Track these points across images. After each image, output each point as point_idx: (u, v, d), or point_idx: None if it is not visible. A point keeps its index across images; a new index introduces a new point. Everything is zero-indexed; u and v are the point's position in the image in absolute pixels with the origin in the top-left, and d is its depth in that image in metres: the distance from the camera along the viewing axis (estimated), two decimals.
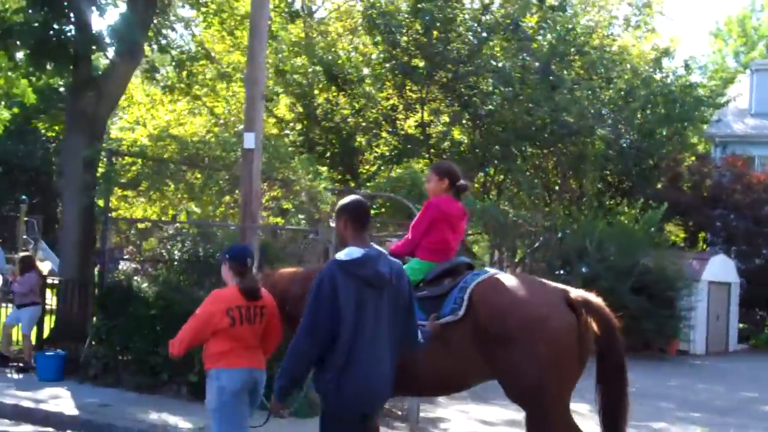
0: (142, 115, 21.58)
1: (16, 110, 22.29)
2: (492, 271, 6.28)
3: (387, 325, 4.88)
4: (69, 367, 11.50)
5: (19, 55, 13.38)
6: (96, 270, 12.92)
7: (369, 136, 21.08)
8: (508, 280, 5.94)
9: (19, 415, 9.57)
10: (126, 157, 12.03)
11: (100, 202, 12.43)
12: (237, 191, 13.01)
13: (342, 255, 4.87)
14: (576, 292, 5.82)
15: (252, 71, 10.90)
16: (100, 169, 12.94)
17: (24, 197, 27.52)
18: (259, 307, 5.90)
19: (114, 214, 12.16)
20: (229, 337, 5.78)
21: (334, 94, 20.69)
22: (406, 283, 5.10)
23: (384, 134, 21.29)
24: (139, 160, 12.33)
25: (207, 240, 11.63)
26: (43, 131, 38.11)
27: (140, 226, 13.35)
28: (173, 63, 14.78)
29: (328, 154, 19.76)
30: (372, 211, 13.60)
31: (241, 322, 5.81)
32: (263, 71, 11.17)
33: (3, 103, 22.40)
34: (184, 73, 15.25)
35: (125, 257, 12.69)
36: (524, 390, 5.60)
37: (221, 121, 19.02)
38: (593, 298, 5.80)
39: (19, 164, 36.16)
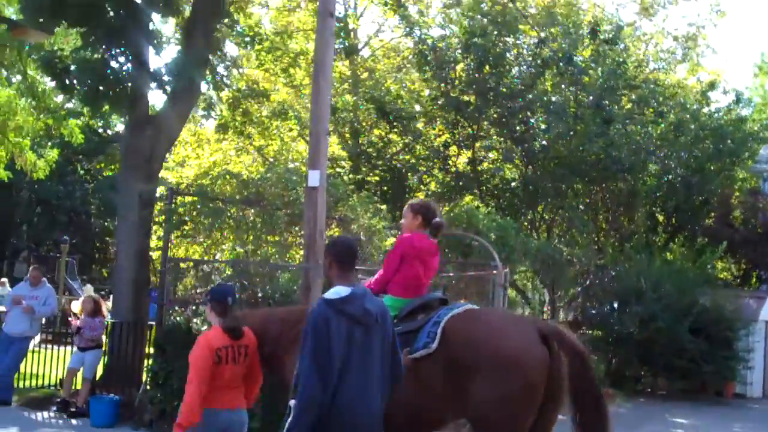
0: (188, 154, 21.50)
1: (57, 151, 22.31)
2: (466, 305, 6.26)
3: (377, 362, 4.90)
4: (123, 412, 11.17)
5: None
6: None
7: (420, 173, 20.82)
8: (482, 313, 6.14)
9: None
10: (185, 197, 11.77)
11: (157, 242, 12.19)
12: (296, 229, 12.80)
13: (330, 294, 4.89)
14: (548, 325, 5.95)
15: (317, 108, 10.64)
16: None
17: (65, 237, 27.56)
18: (243, 347, 5.93)
19: (170, 254, 11.88)
20: (213, 376, 5.77)
21: (386, 131, 20.48)
22: (390, 319, 5.14)
23: (435, 171, 21.01)
24: (188, 200, 12.08)
25: (268, 281, 11.36)
26: (82, 172, 38.96)
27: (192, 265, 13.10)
28: (229, 101, 14.61)
29: (380, 192, 19.48)
30: None
31: (227, 361, 5.82)
32: (328, 108, 10.92)
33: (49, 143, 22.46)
34: (238, 112, 15.07)
35: (183, 299, 12.40)
36: (488, 421, 5.60)
37: (270, 160, 18.88)
38: (565, 330, 5.90)
39: (59, 204, 36.31)
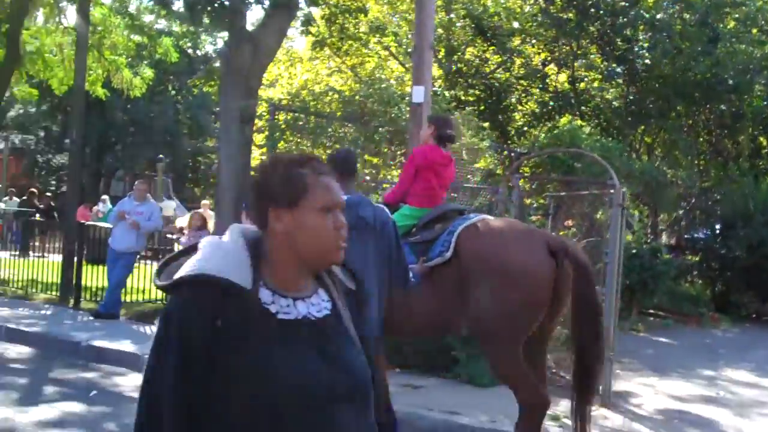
0: (279, 73, 21.33)
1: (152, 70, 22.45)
2: (481, 216, 6.46)
3: (372, 267, 5.11)
4: None
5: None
6: None
7: (518, 92, 20.27)
8: (495, 224, 6.26)
9: None
10: (286, 113, 11.62)
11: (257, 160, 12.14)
12: (394, 148, 12.60)
13: None
14: (557, 239, 6.12)
15: (421, 21, 10.36)
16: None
17: (161, 156, 27.98)
18: None
19: None
20: None
21: (482, 49, 19.92)
22: (391, 227, 5.35)
23: (534, 91, 20.43)
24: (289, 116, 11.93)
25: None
26: (174, 92, 39.42)
27: None
28: (325, 17, 14.31)
29: (477, 112, 19.03)
30: (526, 170, 13.12)
31: None
32: (432, 20, 10.61)
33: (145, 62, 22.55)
34: (335, 28, 14.76)
35: None
36: (489, 327, 5.81)
37: (365, 80, 18.57)
38: (571, 244, 6.09)
39: (151, 124, 36.77)
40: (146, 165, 35.92)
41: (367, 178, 12.02)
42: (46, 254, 16.41)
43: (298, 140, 11.43)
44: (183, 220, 14.50)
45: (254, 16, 79.41)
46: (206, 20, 12.68)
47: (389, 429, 5.46)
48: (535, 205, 11.99)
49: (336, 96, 11.67)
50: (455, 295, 5.94)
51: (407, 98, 11.57)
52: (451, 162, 6.83)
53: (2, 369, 9.11)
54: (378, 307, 5.18)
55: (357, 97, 11.29)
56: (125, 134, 37.82)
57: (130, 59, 21.17)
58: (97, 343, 10.25)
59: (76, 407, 7.72)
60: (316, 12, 14.46)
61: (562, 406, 7.71)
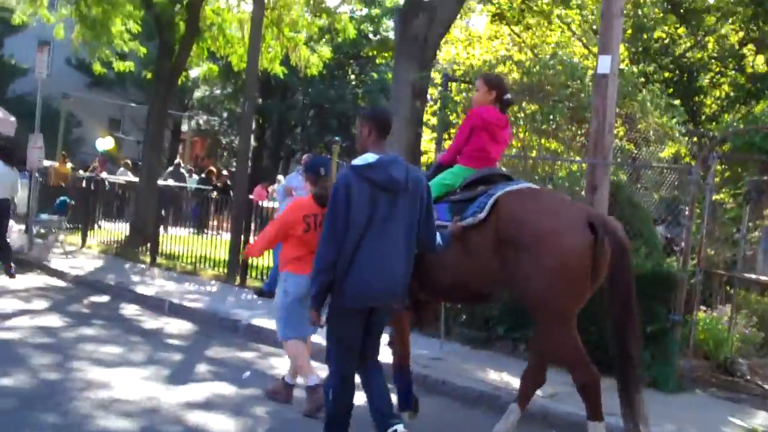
0: (457, 53, 20.60)
1: (330, 49, 22.34)
2: (526, 183, 6.33)
3: (403, 227, 5.15)
4: None
5: None
6: None
7: (712, 74, 18.56)
8: (537, 192, 6.18)
9: None
10: (460, 84, 10.80)
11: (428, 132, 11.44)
12: (574, 128, 11.59)
13: (357, 160, 5.16)
14: (597, 213, 6.07)
15: None
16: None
17: (336, 138, 27.96)
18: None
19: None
20: (301, 242, 6.47)
21: (675, 26, 18.35)
22: (424, 188, 5.32)
23: (729, 72, 18.66)
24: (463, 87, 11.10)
25: (548, 180, 10.33)
26: (353, 77, 39.69)
27: None
28: None
29: (666, 93, 17.56)
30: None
31: (315, 228, 6.40)
32: None
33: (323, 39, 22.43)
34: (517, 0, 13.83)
35: None
36: (530, 298, 5.77)
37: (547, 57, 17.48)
38: (611, 219, 5.93)
39: (330, 108, 37.07)
40: (323, 148, 36.20)
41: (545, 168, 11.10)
42: (220, 232, 16.46)
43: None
44: None
45: None
46: None
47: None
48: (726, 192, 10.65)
49: (514, 67, 10.75)
50: (491, 260, 5.83)
51: (591, 73, 10.59)
52: (507, 125, 6.68)
53: (160, 344, 8.88)
54: (405, 268, 5.22)
55: (536, 68, 10.33)
56: (304, 117, 38.29)
57: (308, 38, 21.03)
58: (257, 322, 9.91)
59: (226, 388, 7.32)
60: None
61: (761, 418, 7.22)
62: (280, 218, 6.67)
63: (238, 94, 39.89)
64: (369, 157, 5.14)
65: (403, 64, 11.92)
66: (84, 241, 16.57)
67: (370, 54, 27.84)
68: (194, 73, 39.11)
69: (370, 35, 38.14)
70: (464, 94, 10.94)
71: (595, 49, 10.97)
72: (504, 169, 6.76)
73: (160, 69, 16.92)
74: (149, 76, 20.83)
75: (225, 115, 42.10)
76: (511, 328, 9.30)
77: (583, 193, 9.69)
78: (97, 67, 22.93)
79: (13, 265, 12.44)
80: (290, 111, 37.56)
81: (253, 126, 40.01)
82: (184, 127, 40.61)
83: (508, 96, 6.60)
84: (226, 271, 13.55)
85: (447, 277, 5.96)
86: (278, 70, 20.44)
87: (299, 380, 6.86)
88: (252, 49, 14.18)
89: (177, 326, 9.98)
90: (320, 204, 6.39)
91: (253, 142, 40.76)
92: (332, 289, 5.12)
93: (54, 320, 9.60)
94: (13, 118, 14.88)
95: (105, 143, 30.95)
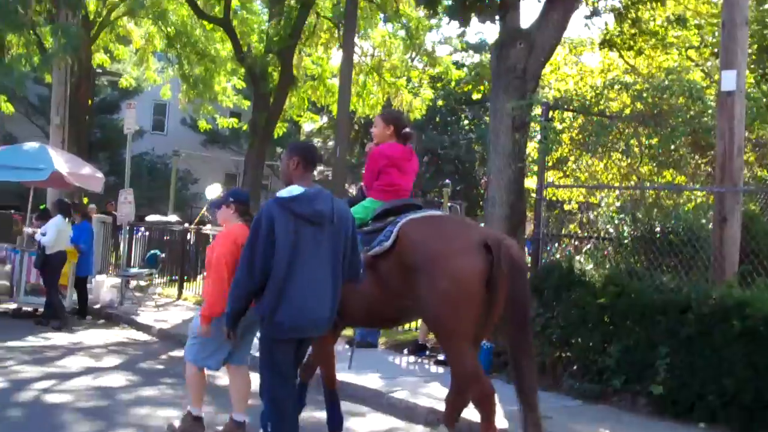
0: (567, 89, 19.50)
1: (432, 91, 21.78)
2: (431, 211, 6.67)
3: (328, 259, 5.24)
4: (495, 361, 9.68)
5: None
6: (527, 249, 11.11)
7: None
8: (437, 219, 6.42)
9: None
10: (563, 112, 9.80)
11: (533, 168, 10.42)
12: (698, 157, 10.40)
13: (282, 192, 5.27)
14: (496, 235, 6.11)
15: None
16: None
17: (447, 182, 27.31)
18: None
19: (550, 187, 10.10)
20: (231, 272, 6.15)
21: None
22: (350, 220, 5.48)
23: None
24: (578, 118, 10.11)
25: (663, 212, 9.19)
26: (465, 122, 39.06)
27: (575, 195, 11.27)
28: (615, 10, 12.33)
29: None
30: None
31: None
32: None
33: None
34: (626, 23, 12.71)
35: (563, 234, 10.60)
36: (427, 319, 6.25)
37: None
38: (509, 240, 6.07)
39: (444, 154, 36.57)
40: (437, 192, 35.59)
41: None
42: None
43: (578, 143, 9.59)
44: None
45: (529, 10, 77.06)
46: (475, 17, 11.29)
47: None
48: None
49: (623, 89, 9.68)
50: (398, 285, 6.02)
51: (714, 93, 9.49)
52: (412, 155, 6.90)
53: (230, 404, 8.14)
54: (332, 298, 5.30)
55: (649, 92, 9.24)
56: (418, 163, 37.81)
57: (409, 82, 20.43)
58: (342, 375, 8.97)
59: None
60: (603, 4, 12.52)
61: None
62: (219, 255, 6.40)
63: (352, 144, 39.89)
64: (294, 190, 5.25)
65: (500, 97, 10.99)
66: (180, 293, 16.34)
67: (466, 90, 27.07)
68: (309, 126, 39.54)
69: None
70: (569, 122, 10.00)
71: (717, 77, 9.85)
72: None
73: (256, 120, 16.57)
74: (245, 128, 20.68)
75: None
76: (628, 380, 8.24)
77: (710, 226, 8.54)
78: (203, 124, 23.14)
79: (58, 320, 12.48)
80: None
81: None
82: None
83: (407, 129, 6.86)
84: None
85: (362, 304, 6.08)
86: None
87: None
88: (343, 94, 13.67)
89: (255, 381, 9.23)
90: None
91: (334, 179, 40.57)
92: (261, 320, 5.25)
93: (118, 379, 9.09)
94: (100, 174, 14.85)
95: (213, 190, 31.08)
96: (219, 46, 20.31)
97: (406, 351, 10.95)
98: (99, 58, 22.30)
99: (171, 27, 20.43)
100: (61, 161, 13.56)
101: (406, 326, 12.20)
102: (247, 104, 21.15)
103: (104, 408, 7.70)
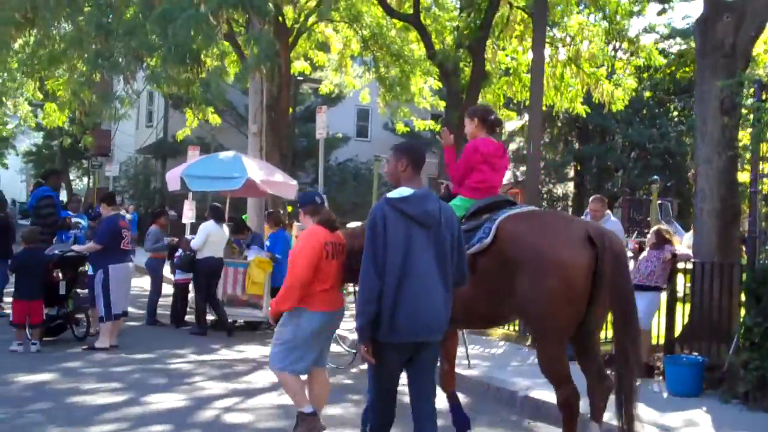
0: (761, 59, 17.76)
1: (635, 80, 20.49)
2: (529, 207, 6.78)
3: (437, 261, 5.12)
4: (709, 377, 8.74)
5: None
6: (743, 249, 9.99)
7: None
8: (537, 214, 6.59)
9: None
10: None
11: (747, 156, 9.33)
12: None
13: (392, 193, 5.22)
14: (598, 228, 6.11)
15: None
16: None
17: (655, 177, 25.77)
18: (340, 245, 6.45)
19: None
20: (319, 274, 6.25)
21: None
22: (456, 221, 5.37)
23: None
24: None
25: None
26: (675, 113, 36.87)
27: None
28: None
29: None
30: None
31: (333, 256, 6.34)
32: None
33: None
34: None
35: None
36: (530, 315, 6.06)
37: None
38: (610, 233, 6.02)
39: (652, 148, 34.71)
40: (646, 189, 33.77)
41: None
42: None
43: None
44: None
45: None
46: None
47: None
48: None
49: None
50: (498, 284, 6.01)
51: None
52: (506, 152, 6.91)
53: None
54: (445, 301, 5.18)
55: None
56: (625, 160, 36.15)
57: (612, 73, 19.31)
58: (538, 394, 8.27)
59: None
60: None
61: None
62: (304, 248, 6.30)
63: (555, 142, 38.73)
64: (404, 191, 5.19)
65: (706, 79, 9.94)
66: None
67: (668, 72, 25.37)
68: (510, 125, 38.80)
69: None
70: None
71: None
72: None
73: (449, 119, 16.15)
74: (437, 128, 20.33)
75: (542, 164, 40.95)
76: None
77: None
78: (400, 127, 23.09)
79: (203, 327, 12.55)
80: (609, 154, 35.61)
81: (571, 172, 38.99)
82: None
83: (492, 117, 6.84)
84: (517, 328, 12.14)
85: (461, 304, 5.72)
86: (580, 109, 19.01)
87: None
88: (535, 86, 12.95)
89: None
90: (331, 229, 6.46)
91: (572, 189, 39.30)
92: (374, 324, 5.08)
93: None
94: (294, 182, 14.84)
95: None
96: (414, 46, 20.14)
97: None
98: (300, 65, 22.74)
99: (366, 29, 20.49)
100: (255, 169, 13.66)
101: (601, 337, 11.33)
102: (443, 105, 20.83)
103: (282, 430, 7.39)
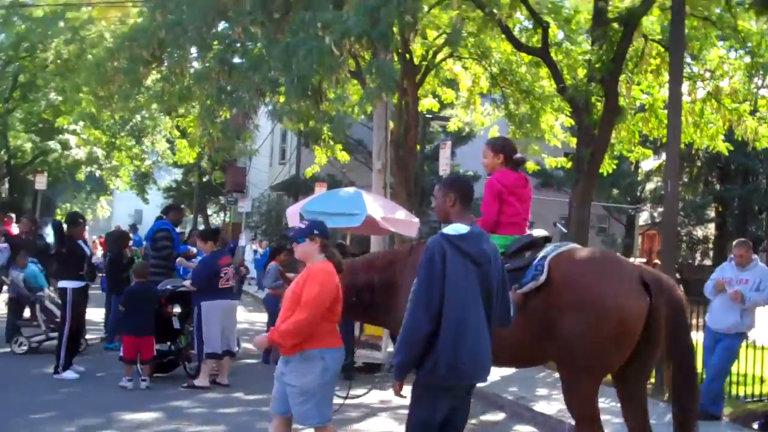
0: None
1: None
2: (572, 244, 6.52)
3: (484, 301, 4.96)
4: None
5: None
6: None
7: None
8: (588, 253, 6.42)
9: None
10: None
11: None
12: None
13: (449, 230, 5.00)
14: (651, 273, 6.11)
15: None
16: None
17: None
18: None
19: None
20: (332, 312, 6.04)
21: None
22: (501, 261, 5.24)
23: None
24: None
25: None
26: None
27: None
28: None
29: None
30: None
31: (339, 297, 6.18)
32: None
33: None
34: None
35: None
36: (576, 355, 5.81)
37: None
38: (665, 278, 6.11)
39: None
40: None
41: None
42: None
43: None
44: None
45: None
46: None
47: None
48: None
49: None
50: (540, 323, 5.92)
51: None
52: (528, 181, 6.87)
53: None
54: (489, 341, 4.99)
55: None
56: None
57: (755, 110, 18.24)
58: None
59: None
60: None
61: None
62: (323, 284, 5.94)
63: (694, 182, 37.18)
64: (460, 228, 5.00)
65: None
66: None
67: None
68: (647, 164, 37.49)
69: None
70: None
71: None
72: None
73: (580, 155, 15.51)
74: (568, 165, 19.67)
75: (680, 205, 39.36)
76: None
77: None
78: (530, 165, 22.54)
79: None
80: (753, 195, 33.90)
81: (712, 214, 37.25)
82: (640, 221, 38.80)
83: (518, 155, 6.83)
84: (653, 381, 11.27)
85: (505, 348, 5.66)
86: (721, 147, 18.04)
87: None
88: (672, 122, 12.21)
89: None
90: (339, 270, 6.23)
91: (712, 231, 37.55)
92: (419, 365, 4.88)
93: None
94: (416, 219, 14.53)
95: (536, 233, 30.35)
96: (545, 83, 19.64)
97: (756, 425, 9.27)
98: (428, 103, 22.58)
99: (495, 66, 20.13)
100: (375, 206, 13.38)
101: (755, 393, 10.49)
102: (574, 142, 20.18)
103: None
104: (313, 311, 5.86)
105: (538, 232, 6.65)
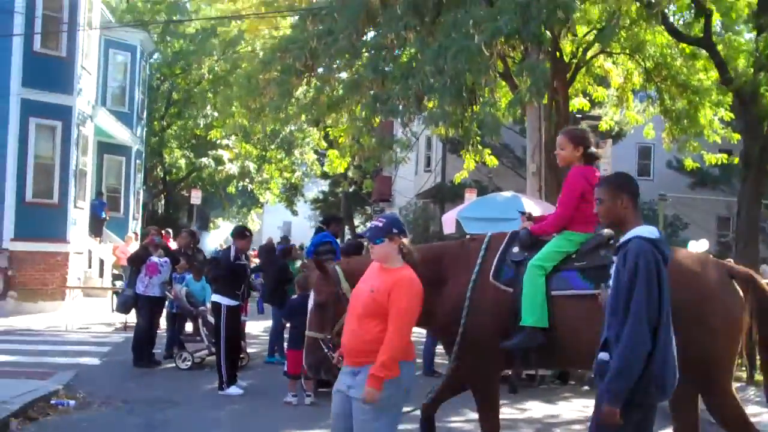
0: None
1: None
2: None
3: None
4: None
5: None
6: None
7: None
8: (676, 252, 5.93)
9: None
10: None
11: None
12: None
13: (645, 232, 4.62)
14: (738, 268, 6.11)
15: None
16: None
17: None
18: None
19: None
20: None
21: None
22: None
23: None
24: None
25: None
26: None
27: None
28: None
29: None
30: None
31: None
32: None
33: None
34: None
35: None
36: (693, 361, 5.41)
37: None
38: (754, 274, 6.02)
39: None
40: None
41: None
42: None
43: None
44: None
45: None
46: None
47: None
48: None
49: None
50: None
51: None
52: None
53: None
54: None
55: None
56: None
57: None
58: None
59: None
60: None
61: None
62: (412, 296, 5.19)
63: None
64: (653, 231, 4.63)
65: None
66: None
67: None
68: None
69: None
70: None
71: None
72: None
73: (747, 151, 14.65)
74: (736, 161, 18.64)
75: None
76: None
77: None
78: (689, 162, 21.65)
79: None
80: None
81: None
82: None
83: (593, 149, 6.54)
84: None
85: (585, 348, 5.49)
86: None
87: None
88: None
89: None
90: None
91: None
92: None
93: None
94: None
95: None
96: (702, 75, 18.72)
97: None
98: (579, 102, 21.94)
99: (649, 60, 19.35)
100: (535, 211, 12.92)
101: None
102: (737, 137, 19.11)
103: None
104: (406, 327, 5.18)
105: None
